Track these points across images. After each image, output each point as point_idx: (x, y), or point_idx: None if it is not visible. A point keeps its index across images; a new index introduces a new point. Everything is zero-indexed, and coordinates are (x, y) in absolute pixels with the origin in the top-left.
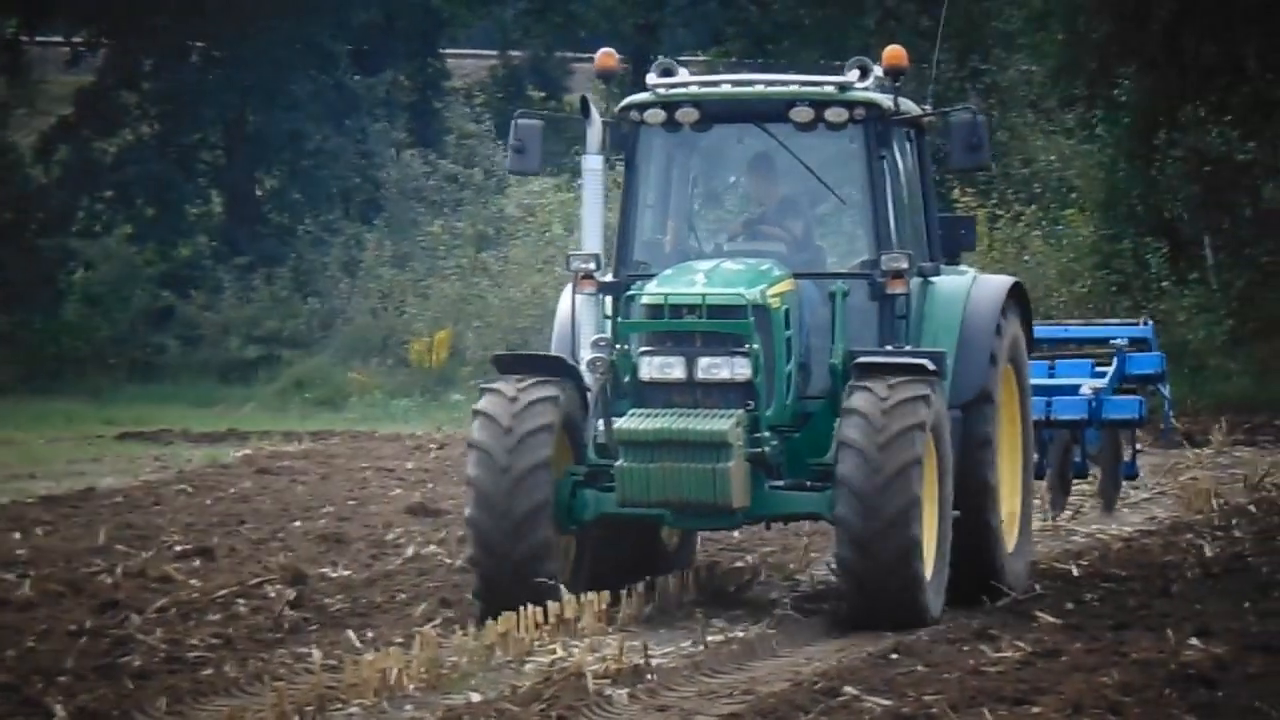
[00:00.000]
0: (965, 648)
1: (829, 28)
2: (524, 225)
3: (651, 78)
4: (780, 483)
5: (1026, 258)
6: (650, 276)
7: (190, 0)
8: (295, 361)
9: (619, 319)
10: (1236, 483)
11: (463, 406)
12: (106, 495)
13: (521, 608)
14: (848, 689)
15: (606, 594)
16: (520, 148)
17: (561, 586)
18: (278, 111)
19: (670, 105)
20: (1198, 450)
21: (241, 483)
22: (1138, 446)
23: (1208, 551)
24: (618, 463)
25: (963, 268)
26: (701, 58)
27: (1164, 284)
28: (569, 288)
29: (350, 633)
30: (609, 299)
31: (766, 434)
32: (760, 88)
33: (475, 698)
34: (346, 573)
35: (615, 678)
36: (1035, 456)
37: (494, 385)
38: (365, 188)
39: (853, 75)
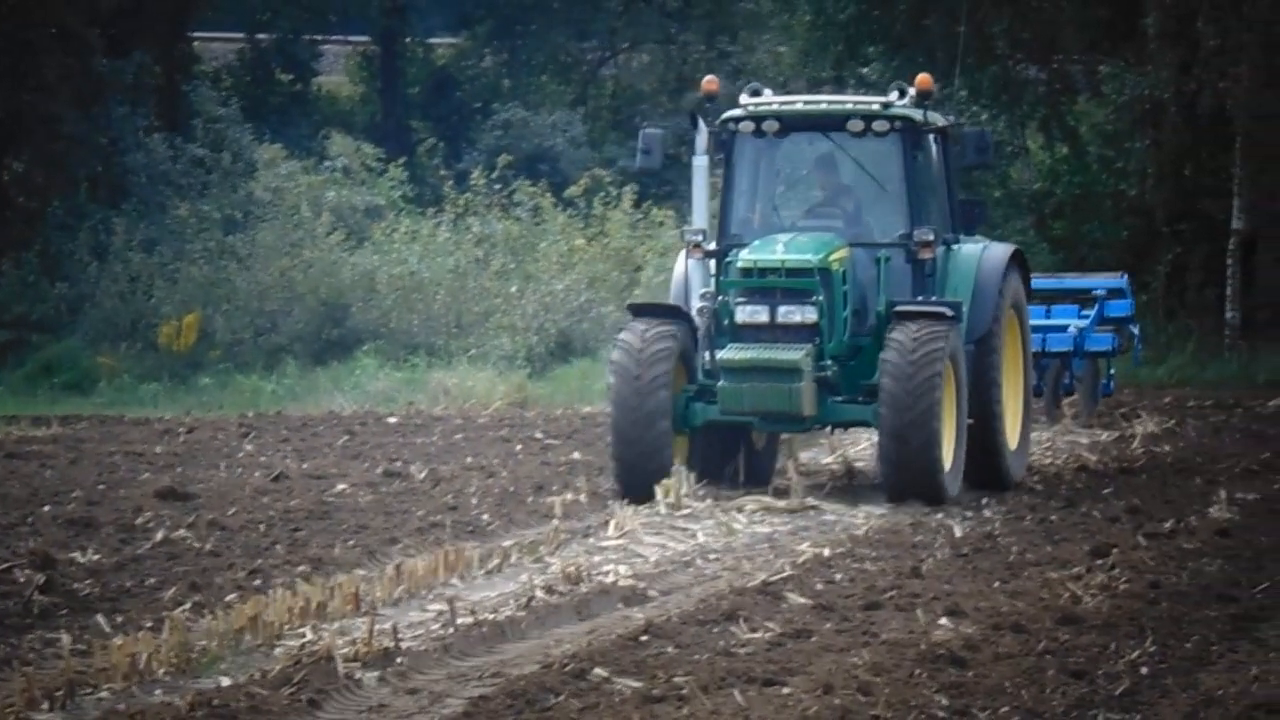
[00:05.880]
0: (715, 629)
1: (575, 9)
2: (272, 209)
3: (744, 98)
4: (839, 398)
5: None
6: (743, 246)
7: None
8: (43, 346)
9: (721, 278)
10: None
11: (212, 390)
12: None
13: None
14: (598, 671)
15: (357, 574)
16: (646, 150)
17: (677, 466)
18: (25, 94)
19: (758, 118)
20: None
21: None
22: (1112, 372)
23: (957, 531)
24: (719, 383)
25: (977, 239)
26: (451, 40)
27: None
28: (683, 254)
29: (100, 617)
30: (713, 262)
31: (829, 362)
32: (825, 105)
33: (225, 682)
34: (96, 557)
35: (365, 660)
36: (1034, 380)
37: (629, 325)
38: (113, 172)
39: (893, 96)
